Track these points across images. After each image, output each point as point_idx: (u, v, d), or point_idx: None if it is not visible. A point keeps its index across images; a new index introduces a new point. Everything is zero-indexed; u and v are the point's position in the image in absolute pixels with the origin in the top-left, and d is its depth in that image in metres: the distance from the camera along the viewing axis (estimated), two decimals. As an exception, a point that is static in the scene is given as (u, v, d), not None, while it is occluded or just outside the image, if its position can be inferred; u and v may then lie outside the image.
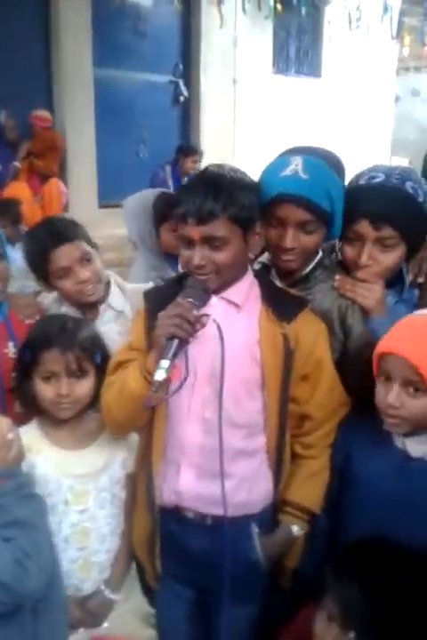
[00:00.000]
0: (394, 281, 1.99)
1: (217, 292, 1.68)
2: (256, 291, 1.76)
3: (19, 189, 5.70)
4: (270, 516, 1.83)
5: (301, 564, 1.88)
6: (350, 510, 1.80)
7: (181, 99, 8.04)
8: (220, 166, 1.69)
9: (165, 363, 1.49)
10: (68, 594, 1.84)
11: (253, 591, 1.86)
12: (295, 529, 1.81)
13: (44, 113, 6.53)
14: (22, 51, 6.41)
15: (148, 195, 3.21)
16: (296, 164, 1.77)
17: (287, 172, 1.77)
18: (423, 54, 12.00)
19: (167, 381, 1.51)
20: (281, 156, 1.92)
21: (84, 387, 1.84)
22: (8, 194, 5.70)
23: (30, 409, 1.87)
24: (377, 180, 1.89)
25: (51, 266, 2.11)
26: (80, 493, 1.85)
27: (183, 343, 1.53)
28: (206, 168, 1.70)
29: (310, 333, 1.75)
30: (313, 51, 9.74)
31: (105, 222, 6.79)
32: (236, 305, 1.71)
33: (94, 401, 1.86)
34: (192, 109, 8.20)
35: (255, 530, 1.79)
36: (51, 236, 2.10)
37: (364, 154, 9.73)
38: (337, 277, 1.89)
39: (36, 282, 2.29)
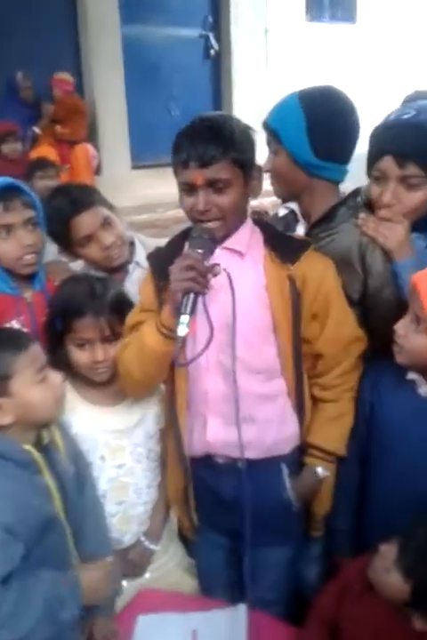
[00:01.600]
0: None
1: (219, 242, 1.68)
2: (258, 236, 1.76)
3: (47, 154, 5.63)
4: (298, 459, 1.86)
5: (333, 517, 1.91)
6: (377, 457, 1.83)
7: (212, 52, 7.88)
8: (215, 113, 1.75)
9: (185, 318, 1.51)
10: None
11: (286, 533, 1.90)
12: (320, 470, 1.83)
13: (65, 75, 6.41)
14: (47, 10, 6.37)
15: None
16: None
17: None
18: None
19: (187, 335, 1.54)
20: None
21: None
22: (34, 157, 5.60)
23: (66, 372, 1.87)
24: (406, 116, 1.83)
25: (74, 235, 2.12)
26: (116, 449, 1.88)
27: (199, 295, 1.54)
28: (202, 115, 1.69)
29: (316, 271, 1.74)
30: (347, -6, 9.41)
31: (138, 183, 6.76)
32: (239, 253, 1.72)
33: None
34: (223, 63, 8.03)
35: (285, 470, 1.81)
36: (70, 205, 2.11)
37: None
38: (361, 216, 1.86)
39: (60, 252, 2.31)
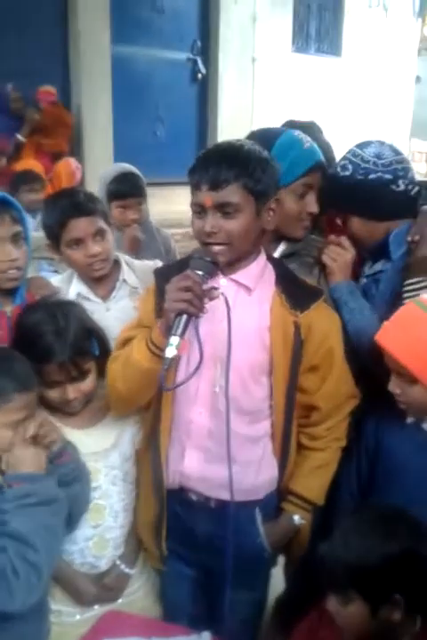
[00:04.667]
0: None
1: (227, 272, 1.67)
2: (270, 275, 1.74)
3: (33, 167, 5.61)
4: (275, 503, 1.84)
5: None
6: (380, 490, 1.84)
7: (199, 76, 7.95)
8: (239, 140, 1.70)
9: (174, 339, 1.47)
10: (83, 571, 1.88)
11: (256, 577, 1.89)
12: (297, 518, 1.82)
13: (48, 87, 6.37)
14: (40, 26, 6.38)
15: (111, 170, 3.23)
16: (304, 136, 1.96)
17: (307, 144, 1.94)
18: (446, 34, 11.74)
19: (177, 358, 1.50)
20: (282, 134, 1.97)
21: (89, 383, 1.84)
22: (20, 168, 5.57)
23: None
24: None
25: (65, 234, 2.13)
26: (91, 471, 1.85)
27: (192, 317, 1.50)
28: (224, 141, 1.70)
29: (323, 324, 1.74)
30: (334, 29, 9.56)
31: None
32: (246, 288, 1.69)
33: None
34: (210, 87, 8.10)
35: (259, 515, 1.79)
36: (71, 207, 2.13)
37: (383, 135, 9.59)
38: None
39: (48, 249, 2.32)
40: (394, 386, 1.70)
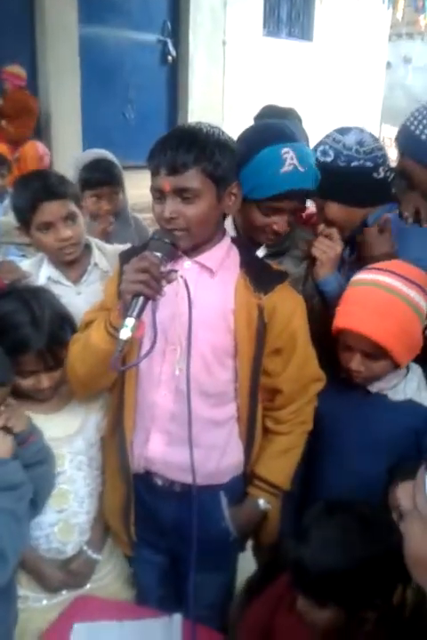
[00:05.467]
0: None
1: (190, 254, 1.65)
2: (234, 258, 1.72)
3: (-1, 149, 5.45)
4: (241, 486, 1.84)
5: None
6: (321, 453, 1.91)
7: (169, 58, 7.89)
8: (198, 123, 1.65)
9: (129, 321, 1.43)
10: (49, 557, 1.88)
11: (222, 559, 1.88)
12: (262, 502, 1.82)
13: (17, 69, 6.16)
14: (4, 6, 6.23)
15: (85, 155, 3.07)
16: (291, 157, 1.82)
17: (287, 168, 1.81)
18: (416, 20, 11.81)
19: (133, 339, 1.47)
20: (269, 147, 1.86)
21: (62, 371, 1.81)
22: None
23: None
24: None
25: (36, 218, 2.09)
26: (56, 457, 1.84)
27: (149, 299, 1.48)
28: (183, 124, 1.68)
29: (287, 307, 1.73)
30: (305, 13, 9.57)
31: (90, 184, 6.65)
32: (209, 270, 1.68)
33: None
34: (180, 70, 8.05)
35: (223, 498, 1.79)
36: (42, 189, 2.08)
37: (354, 121, 9.62)
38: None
39: (19, 232, 2.26)
40: (359, 365, 1.76)
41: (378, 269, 1.79)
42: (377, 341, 1.70)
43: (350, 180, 2.02)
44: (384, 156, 2.05)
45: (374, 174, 2.02)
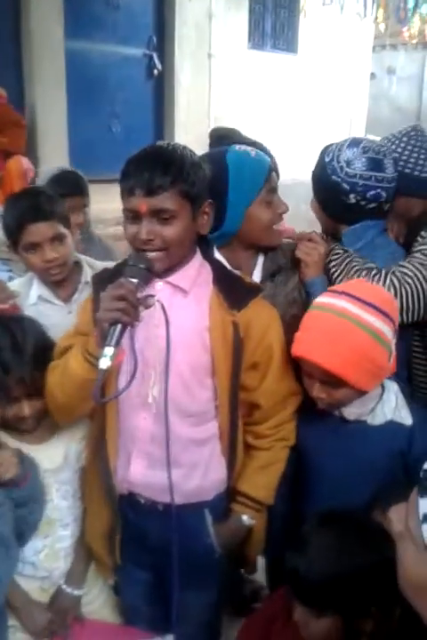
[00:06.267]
0: None
1: (163, 275, 1.65)
2: (206, 275, 1.73)
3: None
4: (225, 503, 1.84)
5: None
6: (306, 482, 1.89)
7: (155, 72, 7.88)
8: (168, 143, 1.67)
9: (108, 350, 1.42)
10: (36, 586, 1.88)
11: (207, 577, 1.88)
12: (245, 518, 1.82)
13: None
14: (-10, 22, 6.21)
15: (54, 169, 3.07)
16: (249, 149, 1.96)
17: (253, 153, 1.94)
18: (399, 32, 11.92)
19: (112, 367, 1.46)
20: (231, 152, 1.95)
21: (44, 402, 1.80)
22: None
23: None
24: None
25: (23, 238, 2.11)
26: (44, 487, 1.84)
27: (127, 327, 1.47)
28: (154, 144, 1.67)
29: (261, 321, 1.73)
30: (289, 26, 9.62)
31: (76, 199, 6.63)
32: (183, 290, 1.67)
33: None
34: (166, 84, 8.05)
35: (208, 516, 1.79)
36: (30, 210, 2.09)
37: (339, 132, 9.69)
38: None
39: (7, 249, 2.28)
40: (319, 391, 1.72)
41: (335, 292, 1.74)
42: (329, 370, 1.64)
43: (323, 189, 2.10)
44: (366, 188, 2.02)
45: (344, 197, 2.03)
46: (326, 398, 1.73)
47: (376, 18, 9.91)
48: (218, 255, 1.95)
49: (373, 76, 12.23)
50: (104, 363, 1.42)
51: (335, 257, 2.04)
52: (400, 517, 1.49)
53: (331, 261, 2.04)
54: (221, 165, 1.86)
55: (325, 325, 1.67)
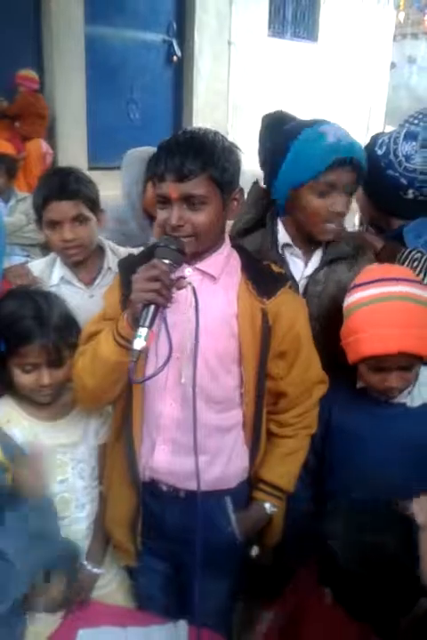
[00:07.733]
0: None
1: (192, 262, 1.64)
2: (235, 263, 1.72)
3: (5, 149, 5.48)
4: (247, 492, 1.84)
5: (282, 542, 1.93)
6: (335, 470, 1.89)
7: (175, 59, 7.87)
8: (200, 128, 1.65)
9: (142, 331, 1.42)
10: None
11: (227, 566, 1.87)
12: (268, 506, 1.82)
13: (30, 73, 6.28)
14: (11, 7, 6.23)
15: (149, 149, 3.05)
16: (332, 133, 1.81)
17: (331, 140, 1.80)
18: (421, 20, 11.79)
19: (145, 349, 1.46)
20: (308, 128, 1.87)
21: (64, 371, 1.81)
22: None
23: (8, 390, 1.85)
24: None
25: (45, 214, 2.12)
26: (59, 464, 1.84)
27: (160, 308, 1.47)
28: (187, 129, 1.65)
29: (290, 311, 1.73)
30: (310, 14, 9.55)
31: (94, 184, 6.66)
32: (212, 276, 1.67)
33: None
34: (186, 70, 8.03)
35: (229, 504, 1.79)
36: (56, 187, 2.09)
37: (359, 121, 9.62)
38: None
39: (36, 224, 2.28)
40: (397, 381, 1.75)
41: (383, 280, 1.75)
42: (419, 353, 1.70)
43: (378, 182, 2.00)
44: (426, 183, 1.97)
45: (401, 192, 1.99)
46: (400, 385, 1.77)
47: (399, 6, 9.80)
48: (280, 226, 1.98)
49: (393, 65, 12.09)
50: (138, 343, 1.42)
51: (416, 263, 1.98)
52: (423, 509, 1.51)
53: (414, 268, 1.97)
54: (292, 135, 1.86)
55: (392, 314, 1.71)
